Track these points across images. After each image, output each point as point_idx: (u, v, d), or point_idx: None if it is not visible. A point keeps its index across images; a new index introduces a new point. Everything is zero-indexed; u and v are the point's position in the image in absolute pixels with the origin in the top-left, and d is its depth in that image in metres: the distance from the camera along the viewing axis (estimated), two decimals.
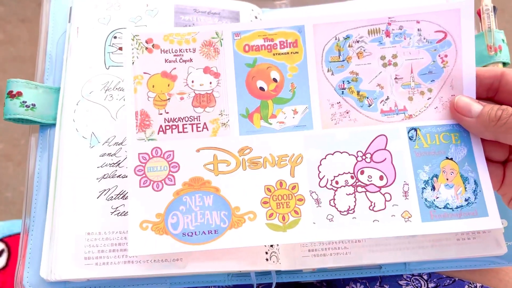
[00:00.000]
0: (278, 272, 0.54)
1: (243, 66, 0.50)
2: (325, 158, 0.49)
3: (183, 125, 0.49)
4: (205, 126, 0.50)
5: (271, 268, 0.52)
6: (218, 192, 0.48)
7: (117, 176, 0.52)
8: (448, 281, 0.54)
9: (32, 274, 0.50)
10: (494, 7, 0.57)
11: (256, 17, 0.61)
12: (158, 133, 0.49)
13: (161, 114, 0.49)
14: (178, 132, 0.49)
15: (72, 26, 0.57)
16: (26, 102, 0.53)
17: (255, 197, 0.48)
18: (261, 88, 0.50)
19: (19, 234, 0.80)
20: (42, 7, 0.59)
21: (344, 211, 0.48)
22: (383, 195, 0.49)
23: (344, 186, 0.49)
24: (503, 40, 0.57)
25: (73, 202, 0.51)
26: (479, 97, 0.50)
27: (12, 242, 0.81)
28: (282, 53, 0.50)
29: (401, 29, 0.50)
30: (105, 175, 0.52)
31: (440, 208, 0.48)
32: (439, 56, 0.50)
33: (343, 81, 0.50)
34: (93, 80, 0.55)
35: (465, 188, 0.49)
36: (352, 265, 0.53)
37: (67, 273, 0.49)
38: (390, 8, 0.50)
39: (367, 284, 0.57)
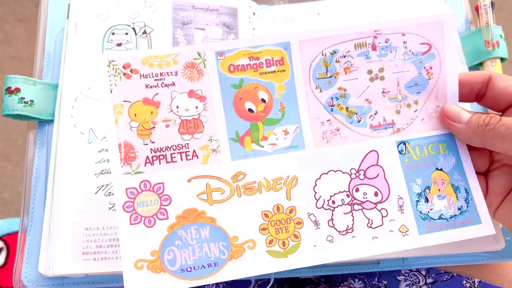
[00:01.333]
0: None
1: (229, 87, 0.48)
2: (320, 178, 0.49)
3: (171, 154, 0.47)
4: (194, 154, 0.48)
5: None
6: (214, 223, 0.47)
7: None
8: (446, 276, 0.54)
9: (30, 269, 0.50)
10: (492, 3, 0.57)
11: (254, 13, 0.61)
12: (145, 165, 0.47)
13: (147, 144, 0.47)
14: (167, 162, 0.47)
15: (70, 22, 0.57)
16: (24, 98, 0.53)
17: (253, 225, 0.47)
18: (250, 110, 0.49)
19: (18, 232, 0.80)
20: (41, 4, 0.59)
21: (343, 230, 0.48)
22: (380, 211, 0.48)
23: (341, 205, 0.48)
24: (500, 36, 0.57)
25: (71, 197, 0.51)
26: (469, 102, 0.51)
27: (11, 240, 0.81)
28: (269, 72, 0.49)
29: (387, 42, 0.50)
30: (103, 170, 0.52)
31: (435, 219, 0.48)
32: (424, 68, 0.50)
33: (332, 98, 0.50)
34: (91, 76, 0.55)
35: (457, 197, 0.49)
36: (350, 261, 0.53)
37: (65, 269, 0.49)
38: (375, 21, 0.51)
39: (365, 280, 0.57)
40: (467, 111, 0.48)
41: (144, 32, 0.57)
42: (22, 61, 1.58)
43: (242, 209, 0.47)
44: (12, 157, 1.48)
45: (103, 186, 0.51)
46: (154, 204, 0.46)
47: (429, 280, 0.54)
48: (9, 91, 0.53)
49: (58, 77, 0.56)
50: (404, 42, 0.50)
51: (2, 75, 1.55)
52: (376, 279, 0.57)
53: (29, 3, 1.66)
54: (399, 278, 0.56)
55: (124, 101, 0.47)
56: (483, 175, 0.51)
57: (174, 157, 0.47)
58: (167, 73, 0.48)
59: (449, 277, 0.54)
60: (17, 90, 0.53)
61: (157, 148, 0.47)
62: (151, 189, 0.46)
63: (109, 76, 0.47)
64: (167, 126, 0.47)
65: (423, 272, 0.55)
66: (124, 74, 0.47)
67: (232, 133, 0.48)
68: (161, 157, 0.47)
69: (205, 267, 0.46)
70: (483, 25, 0.57)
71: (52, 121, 0.54)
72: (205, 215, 0.47)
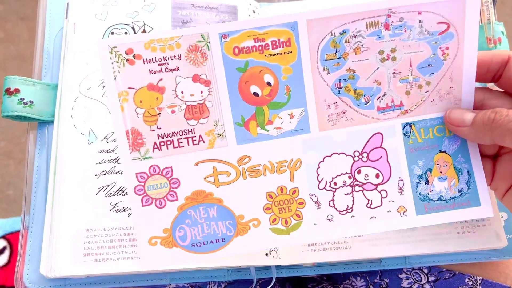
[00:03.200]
0: (278, 267, 0.54)
1: (234, 71, 0.48)
2: (323, 161, 0.49)
3: (178, 139, 0.48)
4: (201, 139, 0.48)
5: (271, 263, 0.52)
6: (221, 203, 0.48)
7: (116, 173, 0.52)
8: (448, 274, 0.54)
9: (32, 271, 0.50)
10: (493, 0, 0.57)
11: (254, 11, 0.61)
12: (153, 151, 0.47)
13: (154, 130, 0.47)
14: (174, 147, 0.48)
15: (69, 22, 0.57)
16: (24, 99, 0.53)
17: (257, 205, 0.49)
18: (255, 94, 0.48)
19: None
20: (39, 3, 0.59)
21: (343, 210, 0.49)
22: (379, 192, 0.49)
23: (342, 187, 0.49)
24: (502, 32, 0.57)
25: (72, 198, 0.51)
26: (485, 82, 0.50)
27: (14, 239, 0.81)
28: (275, 54, 0.48)
29: (401, 21, 0.48)
30: (103, 171, 0.52)
31: (434, 201, 0.49)
32: (440, 48, 0.48)
33: (340, 80, 0.49)
34: (90, 76, 0.54)
35: (459, 179, 0.49)
36: (352, 259, 0.53)
37: (67, 270, 0.49)
38: None
39: (367, 278, 0.57)
40: (470, 111, 0.47)
41: (144, 31, 0.57)
42: (24, 59, 1.58)
43: (247, 191, 0.49)
44: (15, 155, 1.48)
45: (103, 187, 0.51)
46: (164, 187, 0.48)
47: (431, 278, 0.54)
48: (9, 92, 0.53)
49: (57, 77, 0.56)
50: (420, 21, 0.48)
51: (4, 73, 1.55)
52: (378, 277, 0.57)
53: (31, 2, 1.66)
54: (401, 276, 0.55)
55: (129, 87, 0.47)
56: (492, 158, 0.50)
57: (181, 142, 0.48)
58: (171, 57, 0.47)
59: (451, 275, 0.54)
60: (17, 91, 0.53)
61: (164, 134, 0.47)
62: (160, 173, 0.48)
63: (112, 63, 0.46)
64: (173, 112, 0.47)
65: (425, 270, 0.55)
66: (127, 60, 0.47)
67: (237, 117, 0.48)
68: (168, 142, 0.48)
69: (213, 242, 0.48)
70: (484, 22, 0.57)
71: (52, 121, 0.54)
72: (213, 196, 0.48)
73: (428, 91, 0.49)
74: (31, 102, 0.53)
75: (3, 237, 0.81)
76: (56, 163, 0.52)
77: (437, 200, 0.49)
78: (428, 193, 0.49)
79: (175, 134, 0.48)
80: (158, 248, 0.47)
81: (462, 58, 0.48)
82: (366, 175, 0.49)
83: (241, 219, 0.48)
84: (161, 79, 0.47)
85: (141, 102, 0.47)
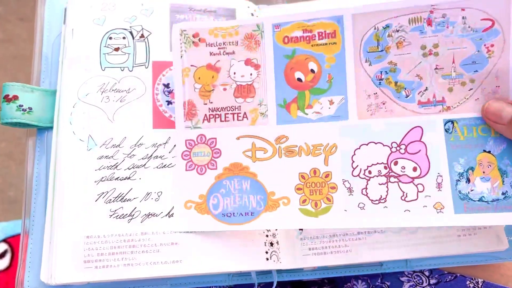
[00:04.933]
0: (279, 271, 0.54)
1: (282, 57, 0.52)
2: (359, 148, 0.50)
3: (225, 114, 0.53)
4: (245, 116, 0.53)
5: (271, 267, 0.51)
6: (255, 178, 0.52)
7: (115, 179, 0.52)
8: (449, 277, 0.54)
9: (32, 278, 0.50)
10: None
11: (252, 14, 0.60)
12: (203, 122, 0.53)
13: (206, 104, 0.53)
14: (221, 121, 0.53)
15: (67, 28, 0.56)
16: (22, 105, 0.53)
17: (289, 184, 0.51)
18: (299, 79, 0.52)
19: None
20: (37, 8, 0.59)
21: (376, 200, 0.49)
22: (416, 186, 0.49)
23: (377, 176, 0.49)
24: None
25: (71, 205, 0.51)
26: None
27: (15, 243, 0.81)
28: (321, 44, 0.51)
29: (444, 17, 0.48)
30: (103, 177, 0.52)
31: (475, 201, 0.48)
32: (485, 45, 0.48)
33: (381, 72, 0.50)
34: (89, 82, 0.54)
35: (503, 181, 0.48)
36: (352, 263, 0.53)
37: (67, 277, 0.49)
38: None
39: (369, 281, 0.57)
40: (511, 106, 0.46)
41: (142, 35, 0.57)
42: (23, 60, 1.58)
43: (281, 169, 0.51)
44: (16, 156, 1.48)
45: (103, 193, 0.51)
46: (207, 156, 0.53)
47: (433, 281, 0.54)
48: (7, 99, 0.53)
49: (56, 83, 0.55)
50: (463, 17, 0.48)
51: (4, 73, 1.55)
52: (379, 280, 0.56)
53: (30, 2, 1.65)
54: (402, 279, 0.55)
55: (191, 65, 0.54)
56: None
57: (228, 116, 0.53)
58: (229, 42, 0.53)
59: (452, 278, 0.54)
60: (15, 97, 0.53)
61: (214, 108, 0.53)
62: (206, 142, 0.53)
63: (181, 43, 0.53)
64: (225, 89, 0.53)
65: (426, 273, 0.55)
66: (193, 42, 0.53)
67: (280, 99, 0.52)
68: (217, 116, 0.53)
69: (242, 215, 0.51)
70: None
71: (51, 128, 0.54)
72: (248, 170, 0.52)
73: (472, 88, 0.48)
74: (30, 108, 0.53)
75: (4, 240, 0.81)
76: (56, 169, 0.52)
77: (478, 201, 0.48)
78: (468, 192, 0.48)
79: (223, 109, 0.53)
80: (192, 213, 0.51)
81: (509, 56, 0.48)
82: (403, 167, 0.49)
83: (272, 195, 0.51)
84: (219, 61, 0.53)
85: (199, 79, 0.54)
